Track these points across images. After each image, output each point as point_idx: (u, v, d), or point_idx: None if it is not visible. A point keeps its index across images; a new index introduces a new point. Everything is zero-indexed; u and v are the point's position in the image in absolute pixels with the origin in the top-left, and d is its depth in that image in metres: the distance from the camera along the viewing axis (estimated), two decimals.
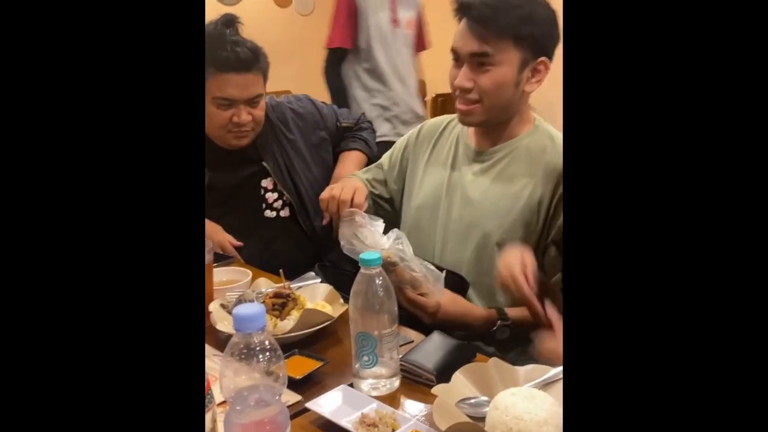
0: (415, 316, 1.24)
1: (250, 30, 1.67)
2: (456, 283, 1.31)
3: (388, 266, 1.16)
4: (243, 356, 0.69)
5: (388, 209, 1.63)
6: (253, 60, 1.58)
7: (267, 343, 0.69)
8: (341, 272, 1.50)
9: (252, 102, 1.62)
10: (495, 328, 1.22)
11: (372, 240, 1.20)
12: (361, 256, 0.97)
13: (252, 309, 0.68)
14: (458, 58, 1.33)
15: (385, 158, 1.67)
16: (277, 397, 0.70)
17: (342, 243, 1.23)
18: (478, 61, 1.29)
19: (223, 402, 0.84)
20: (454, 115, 1.45)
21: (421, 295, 1.20)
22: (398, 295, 1.19)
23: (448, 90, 1.39)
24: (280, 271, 1.31)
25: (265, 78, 1.65)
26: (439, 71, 1.85)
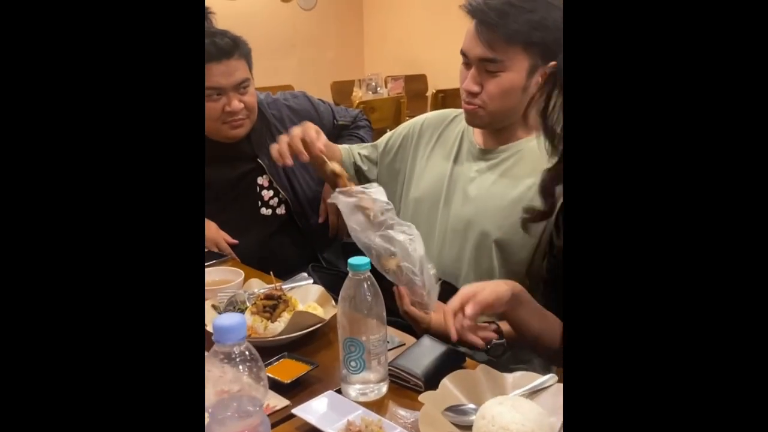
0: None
1: (252, 25, 1.67)
2: (452, 295, 1.29)
3: (394, 271, 1.12)
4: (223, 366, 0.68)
5: None
6: (232, 47, 1.60)
7: (248, 353, 0.69)
8: (335, 273, 1.48)
9: (240, 88, 1.63)
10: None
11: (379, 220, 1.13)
12: (350, 261, 0.96)
13: (231, 320, 0.67)
14: (467, 61, 1.31)
15: (381, 141, 1.63)
16: (258, 408, 0.69)
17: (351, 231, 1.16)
18: (486, 67, 1.27)
19: None
20: (460, 110, 1.43)
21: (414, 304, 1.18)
22: (395, 301, 1.18)
23: (448, 86, 1.36)
24: (271, 272, 1.30)
25: (249, 64, 1.66)
26: (440, 67, 1.83)
